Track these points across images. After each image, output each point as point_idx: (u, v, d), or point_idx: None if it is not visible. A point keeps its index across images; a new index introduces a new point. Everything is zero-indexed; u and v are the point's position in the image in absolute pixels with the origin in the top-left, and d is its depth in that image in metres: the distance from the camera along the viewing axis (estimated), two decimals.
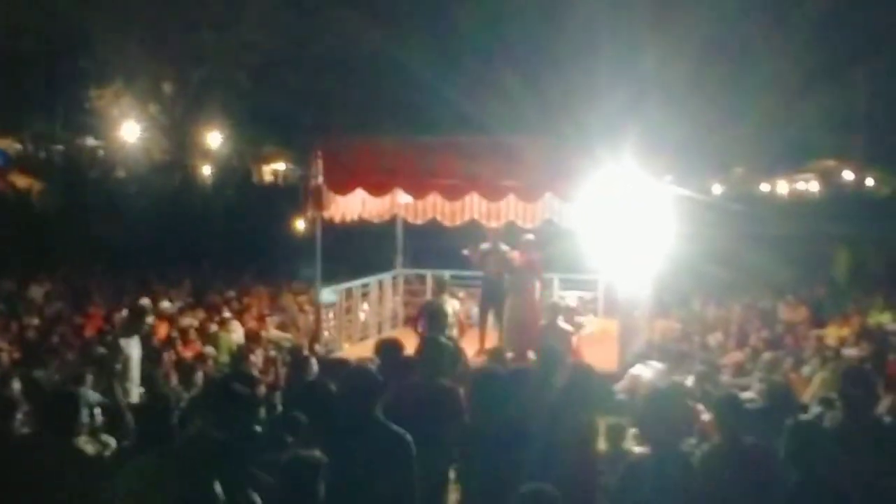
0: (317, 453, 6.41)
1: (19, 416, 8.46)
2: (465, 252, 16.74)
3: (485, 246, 16.54)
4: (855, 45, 48.35)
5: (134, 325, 12.45)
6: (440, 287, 16.89)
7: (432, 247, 21.84)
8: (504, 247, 16.46)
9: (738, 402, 7.86)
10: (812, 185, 62.66)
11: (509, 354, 13.47)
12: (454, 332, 14.80)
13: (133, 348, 11.91)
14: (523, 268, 16.31)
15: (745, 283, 23.98)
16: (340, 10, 42.16)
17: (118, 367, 11.83)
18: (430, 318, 11.74)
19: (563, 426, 7.80)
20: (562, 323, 14.78)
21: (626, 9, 39.79)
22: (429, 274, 19.84)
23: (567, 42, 40.83)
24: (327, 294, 17.12)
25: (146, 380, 12.37)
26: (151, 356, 14.56)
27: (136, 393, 11.74)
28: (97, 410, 10.75)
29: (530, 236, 16.72)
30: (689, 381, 12.79)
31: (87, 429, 9.24)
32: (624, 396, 13.25)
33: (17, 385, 11.48)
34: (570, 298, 18.54)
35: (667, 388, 11.46)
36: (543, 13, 42.28)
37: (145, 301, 16.72)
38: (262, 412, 9.63)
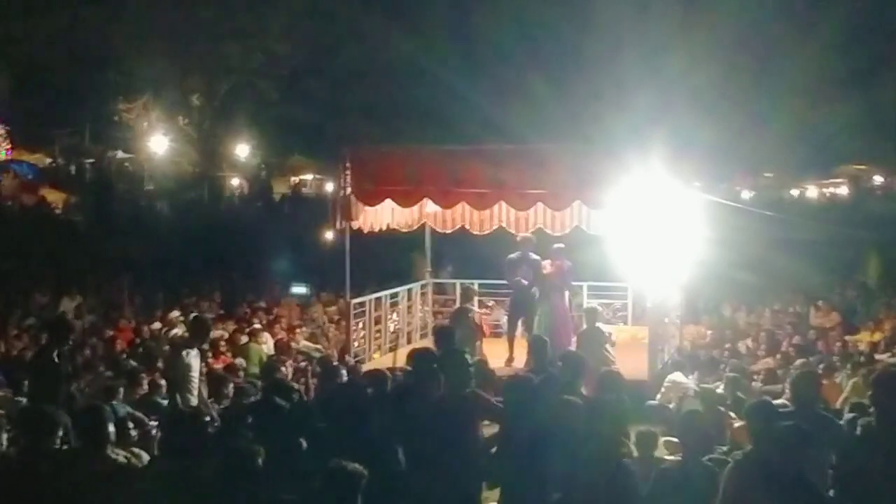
0: (357, 466, 6.42)
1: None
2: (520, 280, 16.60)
3: (513, 256, 16.49)
4: (884, 48, 48.01)
5: (197, 335, 12.41)
6: (466, 296, 16.92)
7: (462, 254, 21.85)
8: (534, 256, 16.41)
9: (771, 410, 7.80)
10: (842, 190, 62.18)
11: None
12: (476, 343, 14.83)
13: (193, 359, 11.88)
14: (553, 276, 16.28)
15: (776, 289, 23.88)
16: (365, 18, 42.27)
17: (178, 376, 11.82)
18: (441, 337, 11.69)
19: (592, 434, 7.77)
20: (602, 325, 14.82)
21: (653, 13, 39.70)
22: (457, 283, 19.81)
23: (594, 47, 40.73)
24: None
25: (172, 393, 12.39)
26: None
27: (195, 403, 11.72)
28: (129, 424, 10.77)
29: (560, 245, 16.68)
30: (720, 388, 12.73)
31: (117, 442, 9.25)
32: (658, 403, 13.22)
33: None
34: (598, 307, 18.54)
35: (699, 396, 11.46)
36: (570, 19, 42.17)
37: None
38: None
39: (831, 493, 7.60)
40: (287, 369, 15.10)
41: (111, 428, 7.64)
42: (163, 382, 12.85)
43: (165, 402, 12.16)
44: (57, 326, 12.26)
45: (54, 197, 38.89)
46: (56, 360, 11.22)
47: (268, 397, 9.64)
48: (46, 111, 41.47)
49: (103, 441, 7.41)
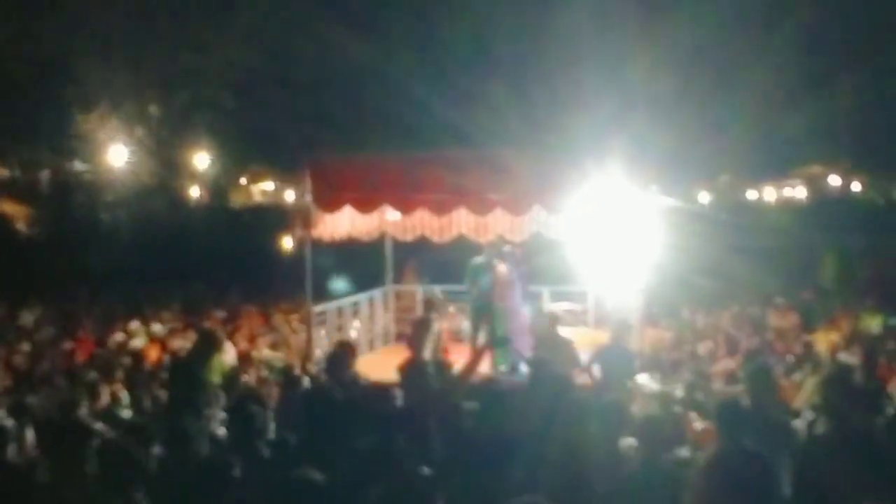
0: (317, 474, 6.43)
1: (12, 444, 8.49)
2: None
3: (478, 260, 16.53)
4: (838, 54, 48.59)
5: (205, 349, 12.25)
6: (429, 306, 16.91)
7: (424, 262, 21.87)
8: (496, 261, 16.46)
9: (739, 408, 7.88)
10: (799, 191, 62.81)
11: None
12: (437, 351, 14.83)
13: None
14: (506, 279, 16.34)
15: (734, 292, 24.05)
16: (323, 25, 42.23)
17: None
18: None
19: (552, 439, 7.82)
20: (562, 332, 14.86)
21: (612, 21, 39.94)
22: (419, 290, 19.87)
23: (553, 54, 40.95)
24: None
25: (135, 404, 12.34)
26: (140, 379, 14.59)
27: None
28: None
29: (509, 247, 16.76)
30: (680, 389, 12.82)
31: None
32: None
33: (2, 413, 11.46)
34: (559, 309, 18.60)
35: (656, 398, 11.53)
36: (529, 26, 42.41)
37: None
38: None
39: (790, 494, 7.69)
40: (249, 378, 15.06)
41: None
42: (123, 394, 12.81)
43: (127, 415, 12.09)
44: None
45: (12, 209, 38.62)
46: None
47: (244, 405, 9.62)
48: (2, 124, 41.14)
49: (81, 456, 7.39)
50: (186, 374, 11.90)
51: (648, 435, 7.94)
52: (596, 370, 12.96)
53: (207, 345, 12.33)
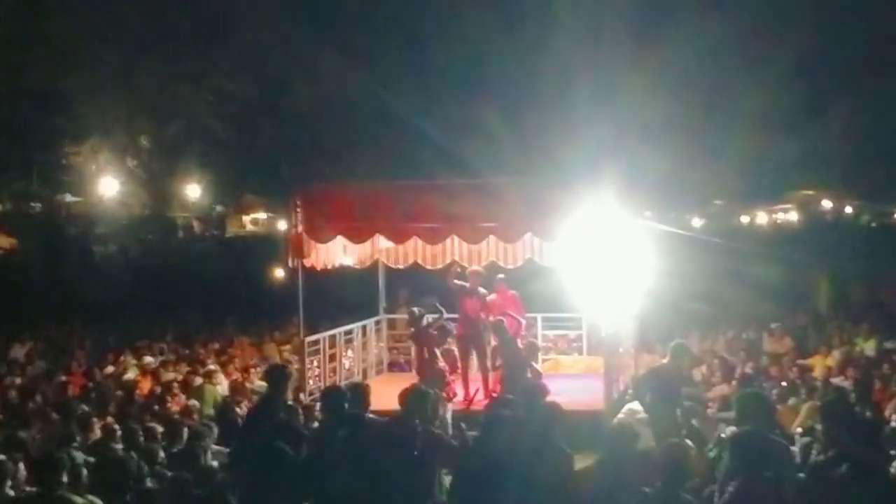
0: None
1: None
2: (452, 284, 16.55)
3: (459, 282, 16.44)
4: (831, 78, 48.88)
5: (279, 387, 11.88)
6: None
7: (415, 289, 21.80)
8: (482, 290, 16.38)
9: (755, 438, 7.84)
10: (791, 215, 62.91)
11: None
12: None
13: None
14: (497, 307, 16.29)
15: (728, 317, 24.02)
16: (316, 54, 42.31)
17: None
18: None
19: (542, 464, 7.79)
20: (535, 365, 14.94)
21: (605, 48, 40.06)
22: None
23: (546, 81, 41.06)
24: None
25: (126, 437, 12.23)
26: (132, 412, 14.50)
27: None
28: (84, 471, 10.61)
29: (501, 276, 16.76)
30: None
31: (72, 489, 9.12)
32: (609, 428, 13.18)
33: None
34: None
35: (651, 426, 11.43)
36: (523, 54, 42.50)
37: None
38: None
39: None
40: (242, 410, 14.96)
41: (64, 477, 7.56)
42: (116, 428, 12.70)
43: (119, 448, 11.96)
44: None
45: (2, 242, 38.55)
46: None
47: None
48: None
49: (55, 488, 7.33)
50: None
51: (670, 469, 7.85)
52: (646, 397, 12.63)
53: (279, 381, 11.90)
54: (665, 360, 13.18)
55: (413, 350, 16.92)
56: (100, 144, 41.88)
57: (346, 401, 10.48)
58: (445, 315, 16.40)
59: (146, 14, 40.48)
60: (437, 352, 15.80)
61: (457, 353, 16.38)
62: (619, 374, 16.33)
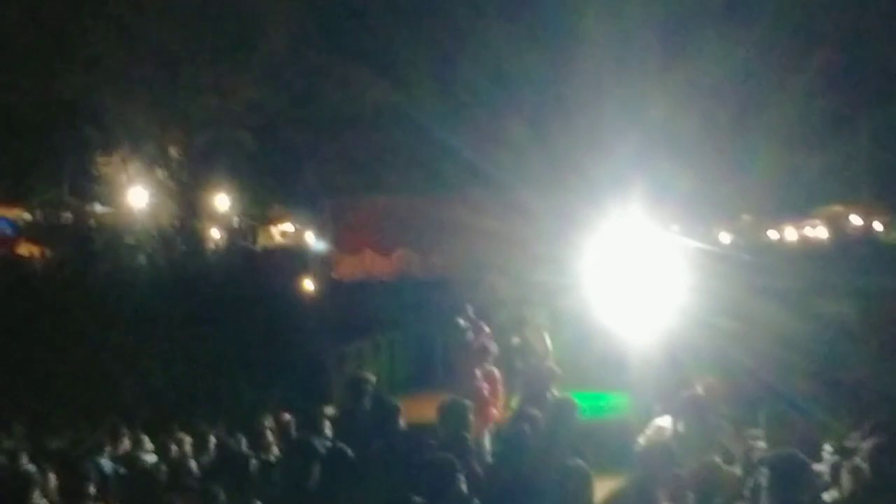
0: None
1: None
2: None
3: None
4: (860, 92, 48.65)
5: (358, 399, 11.94)
6: None
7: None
8: None
9: (798, 462, 7.78)
10: (820, 231, 62.52)
11: None
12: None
13: None
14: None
15: (756, 334, 23.91)
16: (344, 66, 42.43)
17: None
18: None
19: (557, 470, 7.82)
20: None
21: (633, 62, 40.01)
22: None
23: (574, 95, 41.02)
24: None
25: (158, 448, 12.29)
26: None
27: None
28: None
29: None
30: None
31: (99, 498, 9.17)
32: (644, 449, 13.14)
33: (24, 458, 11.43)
34: None
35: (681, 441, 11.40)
36: (551, 68, 42.47)
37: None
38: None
39: None
40: (270, 422, 14.99)
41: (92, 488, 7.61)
42: (145, 438, 12.77)
43: (150, 459, 12.02)
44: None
45: (33, 251, 38.75)
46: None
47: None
48: (24, 167, 41.42)
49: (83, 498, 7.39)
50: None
51: (702, 489, 7.83)
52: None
53: (356, 389, 11.96)
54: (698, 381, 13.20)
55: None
56: (130, 155, 42.09)
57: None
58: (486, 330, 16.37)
59: (176, 27, 40.72)
60: (478, 372, 15.71)
61: (496, 374, 16.33)
62: (648, 389, 16.30)
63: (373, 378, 12.17)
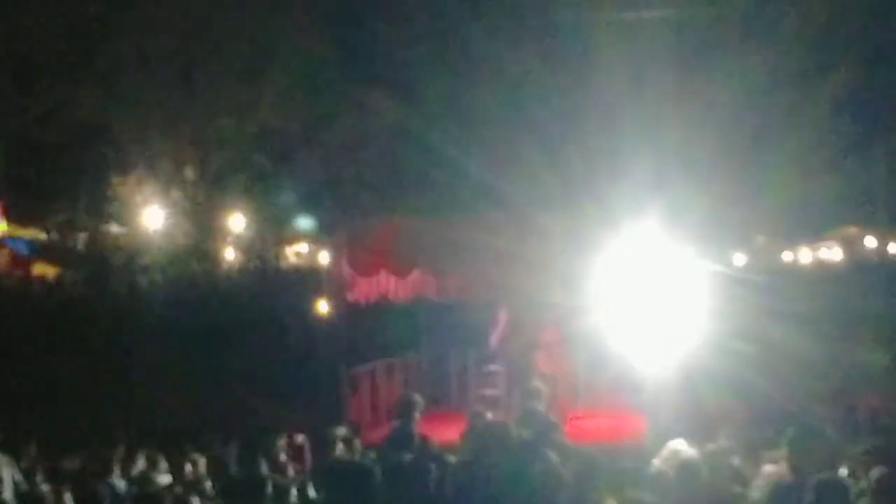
0: None
1: None
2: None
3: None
4: (875, 115, 48.64)
5: (407, 416, 12.18)
6: None
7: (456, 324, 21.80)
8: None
9: (843, 487, 7.73)
10: (835, 253, 62.32)
11: None
12: None
13: None
14: (554, 342, 16.31)
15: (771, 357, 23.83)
16: (360, 89, 42.53)
17: None
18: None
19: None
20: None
21: (648, 85, 40.02)
22: None
23: (589, 117, 41.04)
24: None
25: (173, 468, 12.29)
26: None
27: None
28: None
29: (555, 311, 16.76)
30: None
31: None
32: (657, 471, 13.07)
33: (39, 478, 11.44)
34: None
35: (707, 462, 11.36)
36: (566, 90, 42.51)
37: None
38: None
39: None
40: (283, 442, 14.99)
41: None
42: (159, 458, 12.78)
43: (165, 479, 12.05)
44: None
45: (48, 272, 38.85)
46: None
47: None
48: (39, 187, 41.59)
49: None
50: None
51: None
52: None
53: (405, 410, 12.28)
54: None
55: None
56: (145, 175, 42.24)
57: None
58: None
59: (192, 48, 40.93)
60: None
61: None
62: (662, 410, 16.25)
63: (422, 400, 12.38)
